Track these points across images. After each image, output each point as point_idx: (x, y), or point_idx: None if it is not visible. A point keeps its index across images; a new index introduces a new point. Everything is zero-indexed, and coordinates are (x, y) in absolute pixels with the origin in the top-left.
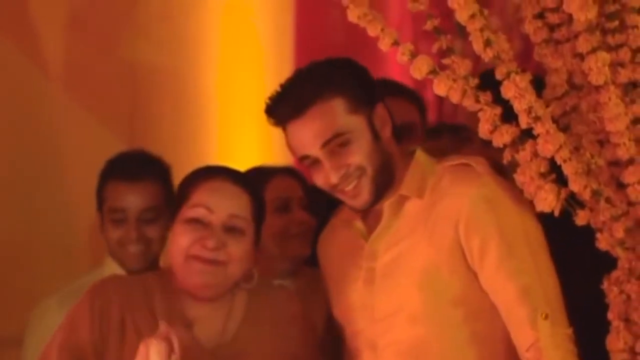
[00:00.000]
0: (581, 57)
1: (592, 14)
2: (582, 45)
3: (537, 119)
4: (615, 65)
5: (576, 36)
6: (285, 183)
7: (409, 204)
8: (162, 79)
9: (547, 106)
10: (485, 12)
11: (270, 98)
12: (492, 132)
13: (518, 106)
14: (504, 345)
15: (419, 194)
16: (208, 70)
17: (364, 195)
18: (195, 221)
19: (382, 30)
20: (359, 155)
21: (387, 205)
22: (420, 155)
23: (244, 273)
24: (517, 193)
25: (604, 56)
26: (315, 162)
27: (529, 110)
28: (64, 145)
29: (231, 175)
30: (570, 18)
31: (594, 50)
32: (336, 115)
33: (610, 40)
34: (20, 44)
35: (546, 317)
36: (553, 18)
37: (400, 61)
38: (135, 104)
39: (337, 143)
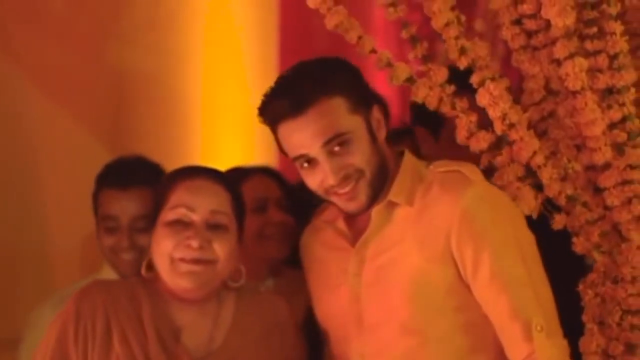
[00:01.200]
0: (558, 63)
1: (570, 20)
2: (560, 51)
3: (511, 125)
4: (593, 71)
5: (553, 42)
6: (262, 183)
7: (398, 210)
8: (147, 85)
9: (524, 112)
10: (463, 18)
11: (266, 95)
12: (468, 138)
13: (492, 113)
14: (498, 354)
15: (408, 201)
16: (192, 77)
17: (361, 198)
18: (177, 222)
19: (360, 37)
20: (359, 156)
21: (375, 211)
22: (409, 159)
23: (231, 271)
24: (509, 201)
25: (581, 62)
26: (311, 162)
27: (504, 117)
28: (47, 151)
29: (208, 173)
30: (547, 24)
31: (571, 56)
32: (338, 114)
33: (589, 46)
34: (4, 50)
35: (541, 329)
36: (530, 24)
37: (378, 68)
38: (120, 110)
39: (337, 143)
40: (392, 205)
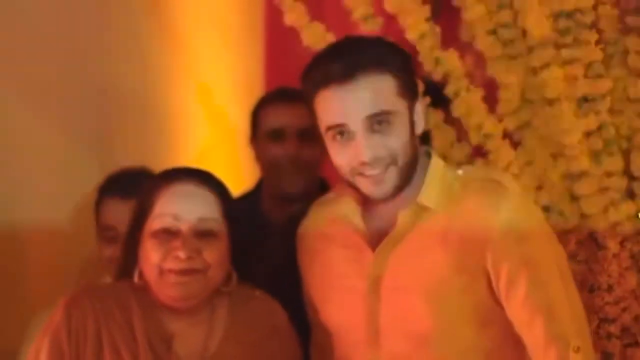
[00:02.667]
0: (534, 71)
1: (546, 29)
2: (536, 60)
3: (487, 136)
4: (569, 80)
5: (529, 51)
6: None
7: (426, 214)
8: (132, 99)
9: (500, 121)
10: (437, 29)
11: (315, 57)
12: (444, 150)
13: (468, 124)
14: None
15: (438, 206)
16: (177, 91)
17: (387, 185)
18: (163, 232)
19: None
20: (397, 140)
21: (402, 214)
22: (436, 161)
23: (224, 276)
24: (543, 216)
25: (557, 71)
26: (346, 135)
27: (479, 128)
28: (31, 165)
29: (193, 176)
30: (523, 33)
31: (547, 65)
32: (386, 91)
33: (565, 54)
34: None
35: (578, 349)
36: (506, 34)
37: None
38: (104, 124)
39: (379, 120)
40: (421, 208)
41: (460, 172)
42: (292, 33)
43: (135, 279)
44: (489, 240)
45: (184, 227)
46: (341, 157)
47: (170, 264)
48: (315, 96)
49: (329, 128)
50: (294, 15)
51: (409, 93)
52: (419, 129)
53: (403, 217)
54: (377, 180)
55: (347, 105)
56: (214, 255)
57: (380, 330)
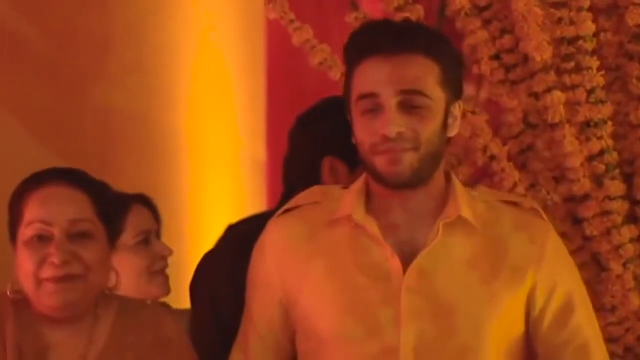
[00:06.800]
0: (537, 96)
1: (547, 54)
2: (538, 85)
3: (492, 157)
4: (571, 105)
5: (532, 76)
6: (143, 214)
7: (466, 230)
8: (134, 125)
9: (503, 145)
10: None
11: (368, 26)
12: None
13: (474, 145)
14: None
15: (477, 223)
16: (179, 116)
17: (404, 166)
18: (36, 240)
19: (343, 75)
20: (425, 127)
21: (444, 225)
22: (457, 180)
23: (106, 280)
24: None
25: (559, 95)
26: (375, 110)
27: (485, 149)
28: None
29: (62, 178)
30: (525, 59)
31: (549, 90)
32: (429, 76)
33: (567, 80)
34: None
35: None
36: (509, 59)
37: None
38: (107, 150)
39: (412, 100)
40: (462, 222)
41: (475, 193)
42: (295, 57)
43: (8, 292)
44: (533, 271)
45: (56, 231)
46: (365, 131)
47: (46, 273)
48: (357, 65)
49: (361, 97)
50: (302, 38)
51: (451, 88)
52: (451, 132)
53: (445, 229)
54: (395, 159)
55: (385, 76)
56: (93, 257)
57: (419, 352)
